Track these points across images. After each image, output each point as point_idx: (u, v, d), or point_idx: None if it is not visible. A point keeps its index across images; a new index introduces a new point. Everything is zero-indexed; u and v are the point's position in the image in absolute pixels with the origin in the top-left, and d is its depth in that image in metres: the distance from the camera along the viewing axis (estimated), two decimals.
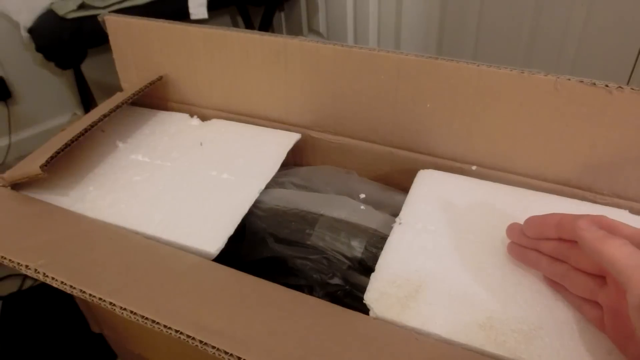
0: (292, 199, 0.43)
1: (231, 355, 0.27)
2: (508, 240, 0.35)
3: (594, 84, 0.35)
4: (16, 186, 0.42)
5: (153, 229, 0.38)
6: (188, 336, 0.29)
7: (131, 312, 0.30)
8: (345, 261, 0.38)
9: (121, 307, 0.30)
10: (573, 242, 0.30)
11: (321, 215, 0.41)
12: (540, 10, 0.88)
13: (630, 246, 0.25)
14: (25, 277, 0.90)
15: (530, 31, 0.92)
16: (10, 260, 0.34)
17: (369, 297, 0.32)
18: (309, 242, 0.39)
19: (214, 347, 0.28)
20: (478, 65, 0.39)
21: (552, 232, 0.30)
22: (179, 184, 0.43)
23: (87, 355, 0.73)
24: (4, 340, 0.78)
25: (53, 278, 0.32)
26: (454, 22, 1.03)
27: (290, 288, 0.33)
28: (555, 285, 0.32)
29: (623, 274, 0.24)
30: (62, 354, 0.75)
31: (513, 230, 0.34)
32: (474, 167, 0.43)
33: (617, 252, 0.25)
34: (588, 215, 0.29)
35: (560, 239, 0.30)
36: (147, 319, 0.30)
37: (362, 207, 0.42)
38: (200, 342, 0.28)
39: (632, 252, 0.25)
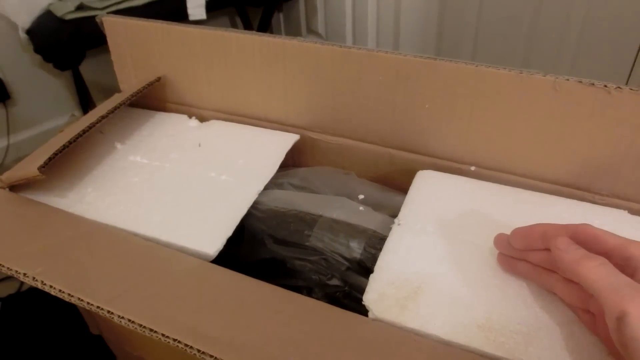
0: (290, 200, 0.43)
1: None
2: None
3: (593, 84, 0.35)
4: (14, 188, 0.42)
5: (152, 230, 0.38)
6: (186, 345, 0.29)
7: (129, 320, 0.30)
8: (344, 262, 0.38)
9: (119, 316, 0.31)
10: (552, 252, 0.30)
11: (320, 216, 0.41)
12: (538, 11, 0.88)
13: (607, 266, 0.25)
14: None
15: (529, 31, 0.92)
16: (8, 268, 0.34)
17: (368, 298, 0.32)
18: (307, 243, 0.39)
19: (212, 357, 0.28)
20: (476, 66, 0.39)
21: (538, 243, 0.30)
22: (177, 185, 0.43)
23: (86, 356, 0.73)
24: (3, 341, 0.78)
25: (51, 286, 0.33)
26: (453, 23, 1.03)
27: (289, 289, 0.33)
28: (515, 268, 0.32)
29: (600, 296, 0.24)
30: (61, 356, 0.75)
31: (500, 241, 0.34)
32: (472, 168, 0.43)
33: (593, 275, 0.25)
34: (569, 226, 0.29)
35: (547, 250, 0.30)
36: (144, 327, 0.30)
37: (361, 208, 0.42)
38: (198, 350, 0.28)
39: (608, 274, 0.25)
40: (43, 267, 0.34)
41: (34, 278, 0.33)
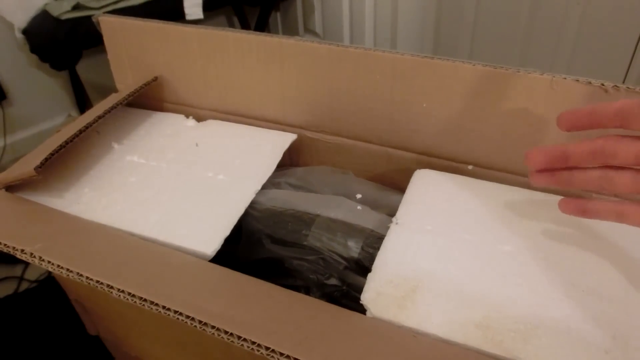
0: (288, 199, 0.43)
1: (231, 334, 0.27)
2: (504, 239, 0.35)
3: (590, 82, 0.35)
4: (10, 188, 0.42)
5: (149, 230, 0.38)
6: (187, 316, 0.28)
7: (129, 293, 0.30)
8: (342, 261, 0.38)
9: (119, 289, 0.30)
10: (610, 137, 0.28)
11: (317, 215, 0.41)
12: (536, 9, 0.89)
13: None
14: (22, 279, 0.90)
15: (526, 30, 0.92)
16: (5, 245, 0.34)
17: (366, 298, 0.32)
18: (305, 243, 0.39)
19: (213, 327, 0.28)
20: (474, 65, 0.39)
21: (585, 121, 0.29)
22: (174, 185, 0.43)
23: (84, 357, 0.73)
24: (1, 343, 0.77)
25: (49, 262, 0.32)
26: (450, 21, 1.03)
27: (287, 289, 0.33)
28: (585, 206, 0.30)
29: None
30: (58, 357, 0.74)
31: (532, 155, 0.31)
32: (470, 167, 0.43)
33: None
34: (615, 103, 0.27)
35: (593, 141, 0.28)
36: (145, 300, 0.29)
37: (359, 207, 0.42)
38: (200, 322, 0.28)
39: None
40: (42, 244, 0.34)
41: (31, 254, 0.33)
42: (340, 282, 0.38)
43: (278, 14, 1.46)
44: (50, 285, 0.87)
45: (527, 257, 0.34)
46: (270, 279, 0.34)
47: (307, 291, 0.38)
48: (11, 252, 0.33)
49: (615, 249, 0.34)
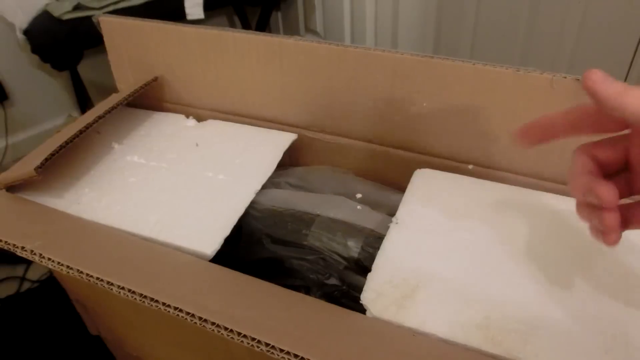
0: (288, 199, 0.43)
1: (231, 331, 0.27)
2: (504, 238, 0.35)
3: None
4: (11, 188, 0.42)
5: (149, 230, 0.38)
6: (187, 313, 0.28)
7: (129, 290, 0.30)
8: (342, 261, 0.38)
9: (119, 286, 0.30)
10: None
11: (317, 215, 0.41)
12: (537, 9, 0.88)
13: None
14: (23, 279, 0.90)
15: (527, 29, 0.92)
16: (5, 242, 0.34)
17: (366, 297, 0.32)
18: (305, 243, 0.39)
19: (213, 324, 0.28)
20: (474, 64, 0.39)
21: (542, 136, 0.27)
22: (174, 185, 0.43)
23: (85, 357, 0.73)
24: (2, 343, 0.78)
25: (49, 259, 0.32)
26: (451, 21, 1.03)
27: (287, 289, 0.33)
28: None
29: None
30: (60, 356, 0.75)
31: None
32: (470, 166, 0.43)
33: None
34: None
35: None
36: (145, 297, 0.29)
37: (359, 207, 0.42)
38: (200, 318, 0.28)
39: None
40: (42, 242, 0.34)
41: (32, 251, 0.33)
42: (340, 282, 0.38)
43: (279, 14, 1.46)
44: (51, 285, 0.87)
45: (527, 257, 0.34)
46: (270, 279, 0.34)
47: (307, 291, 0.38)
48: (11, 250, 0.34)
49: (615, 249, 0.34)
